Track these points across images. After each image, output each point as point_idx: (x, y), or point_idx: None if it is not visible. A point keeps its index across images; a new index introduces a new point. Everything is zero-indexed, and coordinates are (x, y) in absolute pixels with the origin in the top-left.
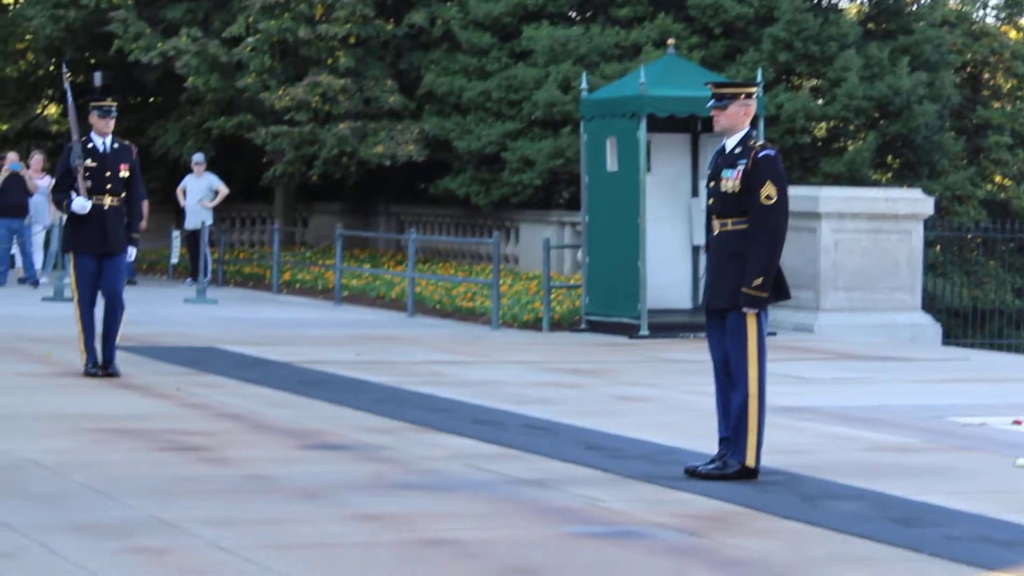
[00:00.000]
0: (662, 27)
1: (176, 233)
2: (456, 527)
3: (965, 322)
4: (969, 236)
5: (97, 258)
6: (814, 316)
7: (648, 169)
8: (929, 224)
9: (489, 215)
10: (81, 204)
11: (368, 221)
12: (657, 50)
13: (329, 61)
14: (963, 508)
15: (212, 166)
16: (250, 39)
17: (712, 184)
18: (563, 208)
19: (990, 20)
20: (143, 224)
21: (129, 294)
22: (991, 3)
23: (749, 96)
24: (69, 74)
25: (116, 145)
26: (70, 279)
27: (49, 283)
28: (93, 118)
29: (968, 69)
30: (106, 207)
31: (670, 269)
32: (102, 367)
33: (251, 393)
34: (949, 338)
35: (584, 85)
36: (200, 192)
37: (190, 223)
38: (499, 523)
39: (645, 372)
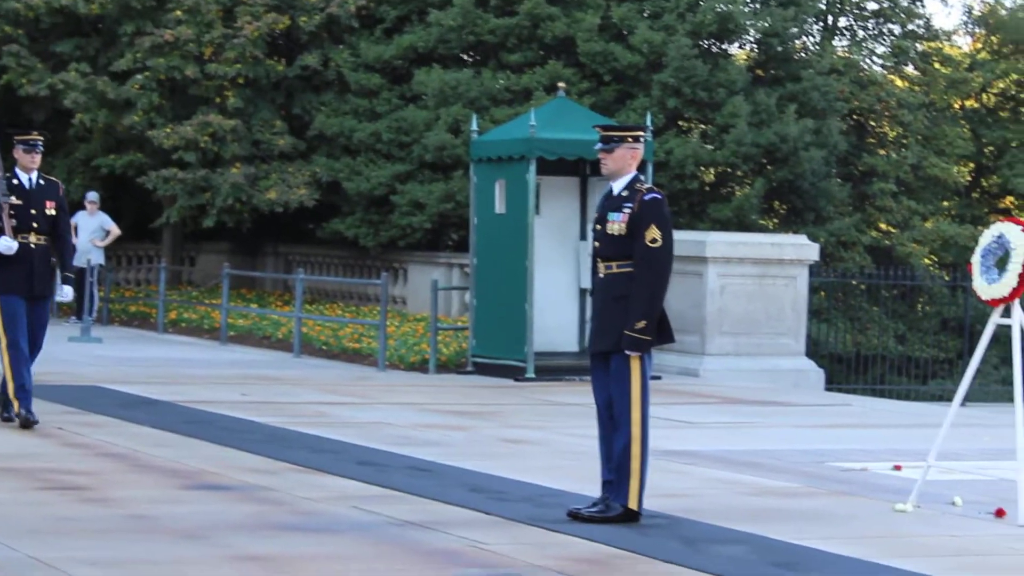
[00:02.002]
0: (552, 72)
1: None
2: (340, 569)
3: (848, 368)
4: (853, 282)
5: (24, 300)
6: (699, 360)
7: (537, 212)
8: (814, 270)
9: (378, 256)
10: (7, 244)
11: (256, 261)
12: (547, 95)
13: (218, 100)
14: (844, 552)
15: (101, 204)
16: (139, 76)
17: (598, 227)
18: (452, 250)
19: (877, 68)
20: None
21: None
22: (878, 51)
23: (636, 140)
24: None
25: (42, 181)
26: None
27: None
28: (18, 153)
29: (855, 116)
30: (33, 246)
31: (557, 312)
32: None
33: (134, 433)
34: (832, 383)
35: (474, 127)
36: (92, 231)
37: (78, 261)
38: (383, 565)
39: (530, 415)
